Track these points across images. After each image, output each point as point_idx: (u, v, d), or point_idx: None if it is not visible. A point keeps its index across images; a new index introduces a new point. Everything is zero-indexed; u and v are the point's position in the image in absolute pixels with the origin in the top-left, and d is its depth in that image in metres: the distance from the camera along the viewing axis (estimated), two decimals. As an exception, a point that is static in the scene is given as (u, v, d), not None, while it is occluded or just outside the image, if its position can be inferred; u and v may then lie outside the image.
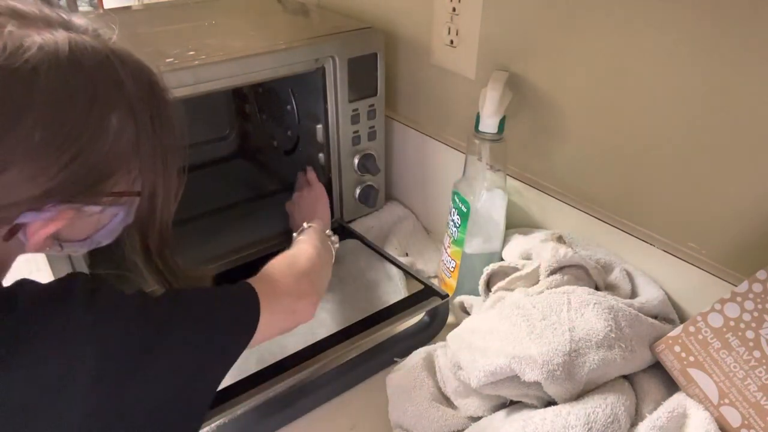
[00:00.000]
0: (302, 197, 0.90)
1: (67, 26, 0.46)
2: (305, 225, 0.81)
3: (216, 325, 0.54)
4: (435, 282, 0.85)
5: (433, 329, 0.80)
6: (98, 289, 0.48)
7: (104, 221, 0.51)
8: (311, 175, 0.94)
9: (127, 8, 1.08)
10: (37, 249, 0.49)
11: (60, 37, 0.44)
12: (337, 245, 0.83)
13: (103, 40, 0.48)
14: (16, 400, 0.41)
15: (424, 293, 0.81)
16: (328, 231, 0.83)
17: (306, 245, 0.74)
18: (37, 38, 0.43)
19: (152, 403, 0.48)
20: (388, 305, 0.80)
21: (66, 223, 0.47)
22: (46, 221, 0.46)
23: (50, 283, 0.47)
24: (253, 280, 0.61)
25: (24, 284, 0.46)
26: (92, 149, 0.45)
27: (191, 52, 0.75)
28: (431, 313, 0.80)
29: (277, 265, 0.67)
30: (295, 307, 0.63)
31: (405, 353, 0.74)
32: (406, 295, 0.83)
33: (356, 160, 0.94)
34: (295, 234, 0.81)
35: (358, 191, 0.97)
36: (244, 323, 0.56)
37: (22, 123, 0.41)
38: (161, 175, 0.52)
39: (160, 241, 0.56)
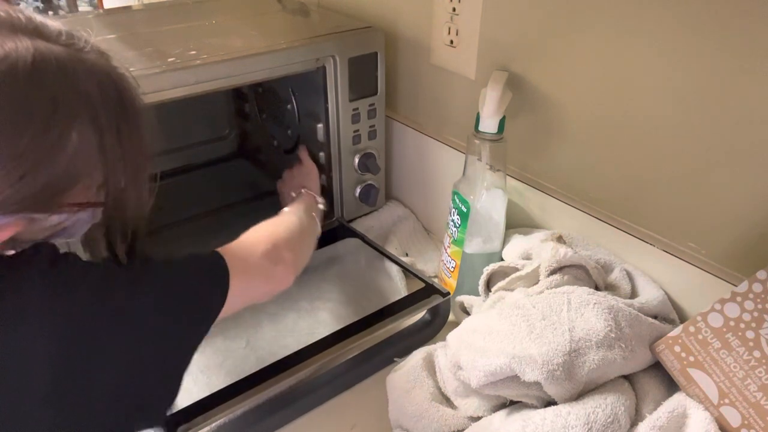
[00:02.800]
0: (291, 174, 0.91)
1: (37, 32, 0.45)
2: (293, 194, 0.82)
3: (185, 293, 0.54)
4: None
5: (434, 327, 0.80)
6: (60, 258, 0.48)
7: (63, 225, 0.49)
8: (303, 153, 0.94)
9: (127, 8, 1.08)
10: None
11: (23, 47, 0.42)
12: (323, 207, 0.85)
13: (73, 48, 0.46)
14: None
15: (425, 291, 0.81)
16: (320, 199, 0.85)
17: (289, 215, 0.74)
18: None
19: (121, 373, 0.48)
20: (389, 303, 0.80)
21: (19, 230, 0.46)
22: None
23: (12, 254, 0.46)
24: (229, 246, 0.61)
25: None
26: (49, 164, 0.44)
27: (192, 52, 0.75)
28: (432, 311, 0.80)
29: (256, 231, 0.67)
30: (271, 272, 0.63)
31: (406, 351, 0.74)
32: (407, 294, 0.83)
33: (356, 159, 0.94)
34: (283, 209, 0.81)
35: (358, 190, 0.97)
36: (213, 291, 0.56)
37: None
38: (131, 184, 0.51)
39: (128, 250, 0.54)
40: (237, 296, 0.57)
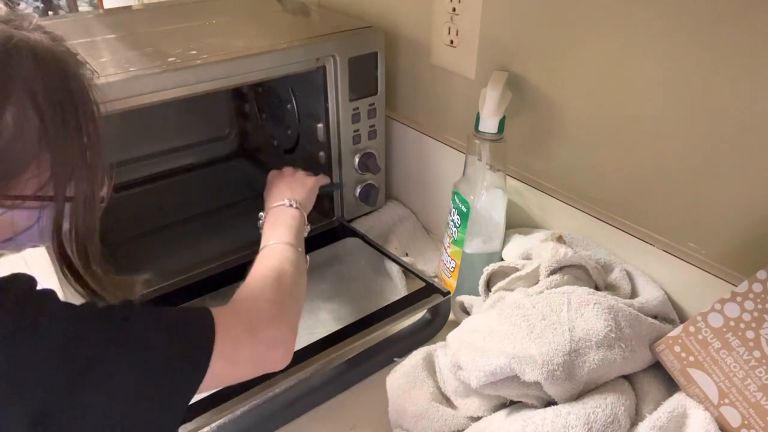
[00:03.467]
0: (295, 175, 0.84)
1: None
2: (289, 203, 0.75)
3: (158, 372, 0.47)
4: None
5: (434, 327, 0.80)
6: (35, 295, 0.44)
7: (20, 225, 0.47)
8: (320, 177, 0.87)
9: (127, 8, 1.08)
10: None
11: None
12: (308, 228, 0.77)
13: (12, 24, 0.43)
14: None
15: (425, 290, 0.81)
16: (307, 226, 0.77)
17: (285, 263, 0.66)
18: None
19: None
20: (389, 303, 0.80)
21: None
22: None
23: None
24: (225, 317, 0.54)
25: None
26: None
27: (193, 52, 0.75)
28: (433, 310, 0.80)
29: (254, 293, 0.60)
30: (265, 359, 0.57)
31: (406, 351, 0.74)
32: (407, 294, 0.83)
33: (357, 159, 0.94)
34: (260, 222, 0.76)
35: (358, 190, 0.97)
36: (190, 373, 0.49)
37: None
38: (81, 177, 0.47)
39: (81, 252, 0.49)
40: (218, 378, 0.52)
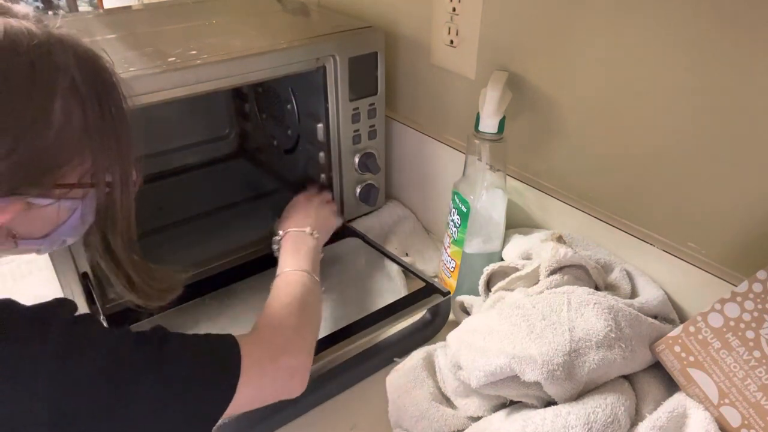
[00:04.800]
0: (312, 205, 0.87)
1: (5, 12, 0.45)
2: (310, 232, 0.79)
3: (189, 394, 0.50)
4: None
5: (434, 326, 0.80)
6: (80, 319, 0.46)
7: (63, 217, 0.49)
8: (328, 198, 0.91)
9: (127, 8, 1.08)
10: None
11: None
12: (321, 254, 0.81)
13: (44, 25, 0.46)
14: None
15: (425, 290, 0.81)
16: (314, 234, 0.80)
17: (292, 288, 0.69)
18: None
19: None
20: (390, 303, 0.80)
21: (13, 216, 0.45)
22: None
23: (30, 307, 0.46)
24: (249, 346, 0.57)
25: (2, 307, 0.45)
26: (35, 137, 0.43)
27: (193, 52, 0.75)
28: (433, 310, 0.80)
29: (272, 324, 0.63)
30: (286, 384, 0.60)
31: (407, 351, 0.74)
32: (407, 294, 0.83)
33: (357, 159, 0.94)
34: (275, 247, 0.80)
35: (358, 190, 0.97)
36: (218, 398, 0.53)
37: None
38: (117, 164, 0.50)
39: (122, 238, 0.53)
40: (243, 404, 0.55)
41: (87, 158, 0.48)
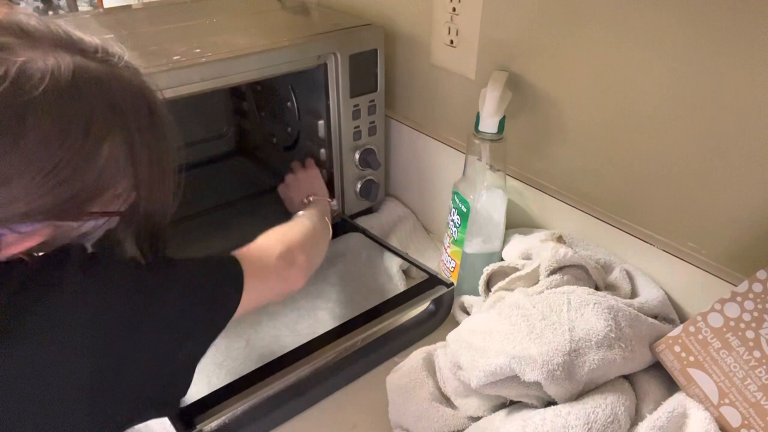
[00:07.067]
0: (297, 178, 0.93)
1: (76, 48, 0.46)
2: (305, 200, 0.86)
3: (205, 294, 0.57)
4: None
5: (438, 318, 0.81)
6: (92, 258, 0.50)
7: (83, 231, 0.51)
8: (309, 162, 0.96)
9: (127, 7, 1.08)
10: (8, 257, 0.49)
11: (65, 62, 0.44)
12: (336, 207, 0.93)
13: (109, 64, 0.48)
14: (20, 367, 0.44)
15: (429, 282, 0.81)
16: (333, 201, 0.91)
17: (303, 219, 0.78)
18: (41, 64, 0.43)
19: (145, 365, 0.51)
20: (394, 294, 0.80)
21: (46, 237, 0.47)
22: (22, 236, 0.46)
23: (47, 253, 0.49)
24: (245, 250, 0.65)
25: (21, 259, 0.48)
26: (82, 174, 0.45)
27: (197, 50, 0.75)
28: (437, 301, 0.81)
29: (272, 233, 0.70)
30: (285, 273, 0.66)
31: (410, 342, 0.75)
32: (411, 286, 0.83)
33: (357, 155, 0.94)
34: (297, 213, 0.84)
35: (359, 186, 0.97)
36: (230, 292, 0.59)
37: (20, 145, 0.42)
38: (157, 186, 0.53)
39: (155, 245, 0.56)
40: (252, 296, 0.61)
41: (125, 187, 0.50)
